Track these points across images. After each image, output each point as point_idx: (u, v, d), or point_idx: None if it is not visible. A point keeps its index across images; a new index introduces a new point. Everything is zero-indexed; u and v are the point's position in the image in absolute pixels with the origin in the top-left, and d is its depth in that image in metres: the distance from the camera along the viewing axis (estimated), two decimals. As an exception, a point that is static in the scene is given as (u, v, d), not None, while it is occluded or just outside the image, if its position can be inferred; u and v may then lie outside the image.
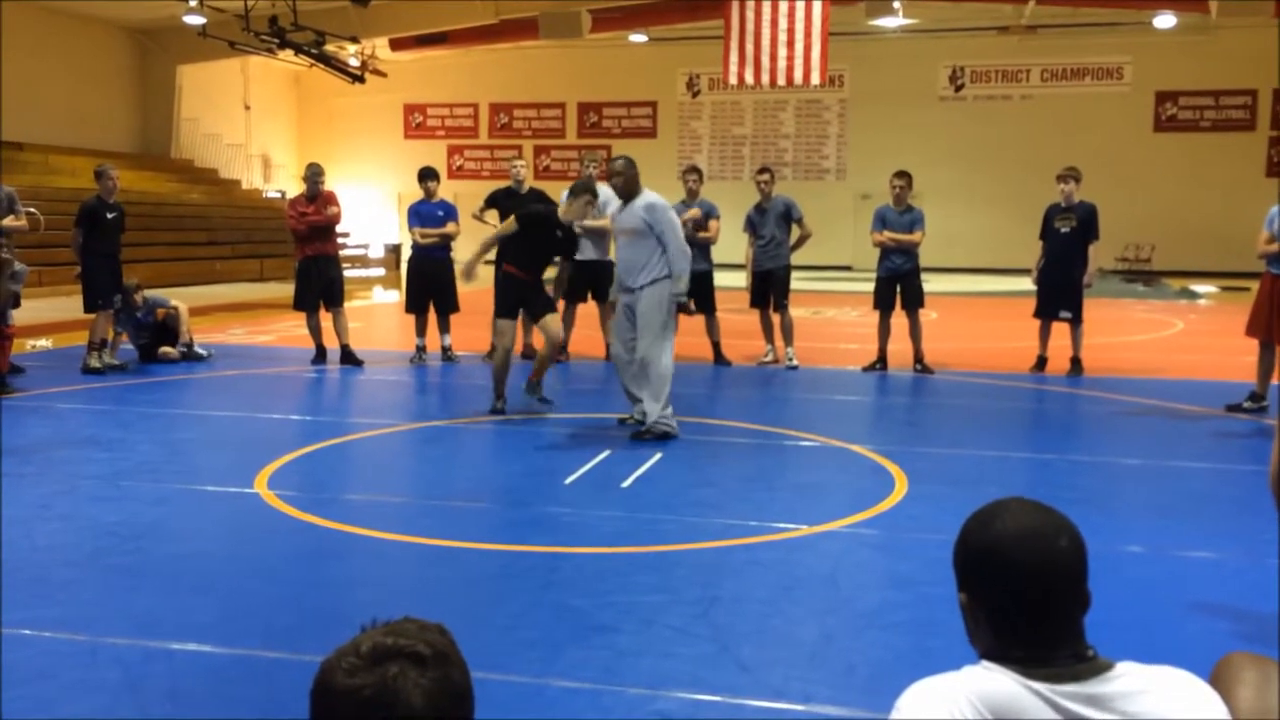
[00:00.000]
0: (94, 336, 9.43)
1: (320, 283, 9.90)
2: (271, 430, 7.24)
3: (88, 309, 9.49)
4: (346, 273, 10.68)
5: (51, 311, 11.69)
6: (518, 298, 7.55)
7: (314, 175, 9.94)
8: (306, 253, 9.91)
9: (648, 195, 6.94)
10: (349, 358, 9.90)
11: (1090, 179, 10.25)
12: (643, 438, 6.66)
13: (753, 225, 10.20)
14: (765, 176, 10.22)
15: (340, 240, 11.26)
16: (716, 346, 10.20)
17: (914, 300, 9.73)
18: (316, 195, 9.85)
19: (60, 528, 4.86)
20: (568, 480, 5.76)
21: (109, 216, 9.49)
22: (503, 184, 10.41)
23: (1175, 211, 26.07)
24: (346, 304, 10.37)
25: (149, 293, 10.12)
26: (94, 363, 9.35)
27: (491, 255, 8.11)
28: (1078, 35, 26.38)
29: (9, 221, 9.04)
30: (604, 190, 9.88)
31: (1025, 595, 1.48)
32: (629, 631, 3.64)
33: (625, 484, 5.70)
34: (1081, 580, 1.51)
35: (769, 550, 4.60)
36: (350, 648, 1.14)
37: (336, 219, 10.03)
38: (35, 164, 19.95)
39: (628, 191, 6.97)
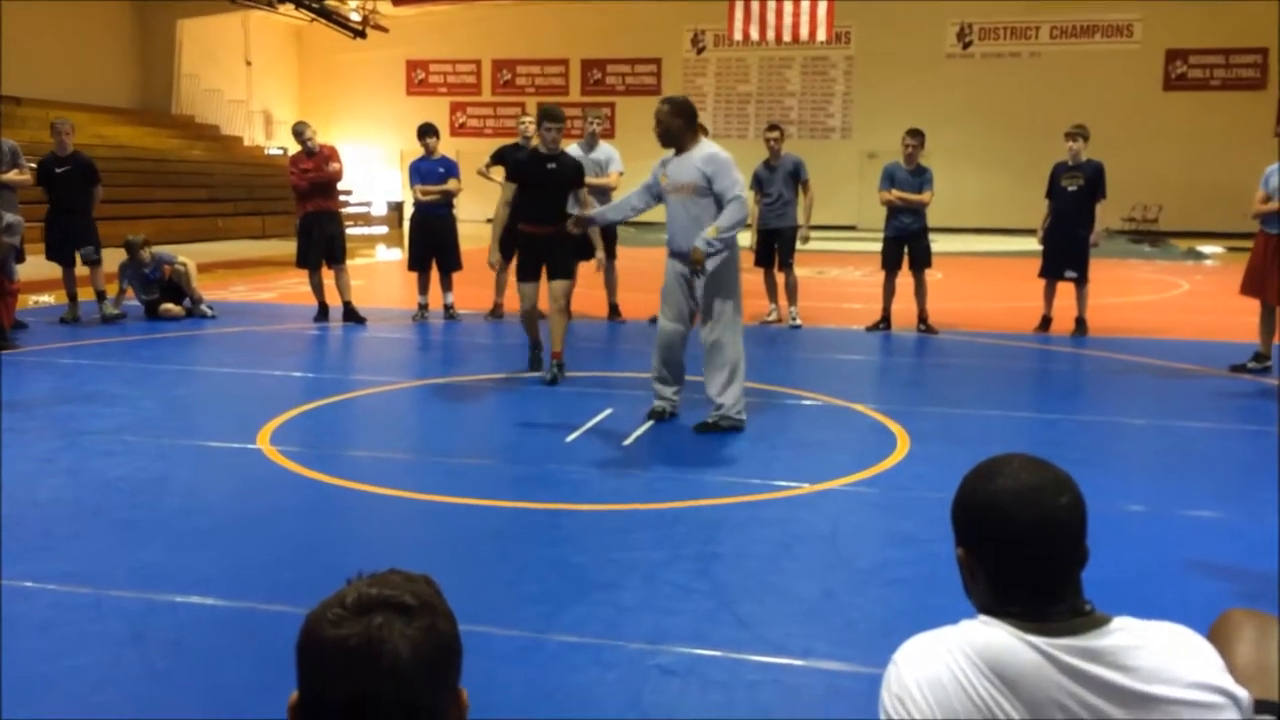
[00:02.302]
0: (69, 289, 9.67)
1: (322, 240, 9.85)
2: (274, 387, 7.24)
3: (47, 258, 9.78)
4: (349, 231, 10.65)
5: (54, 268, 11.65)
6: (536, 257, 7.11)
7: (301, 132, 9.84)
8: (308, 209, 9.85)
9: (707, 146, 5.85)
10: (351, 315, 9.89)
11: (1098, 138, 10.16)
12: (709, 430, 5.84)
13: (760, 183, 10.12)
14: (775, 134, 10.13)
15: (342, 198, 11.16)
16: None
17: (922, 260, 9.68)
18: (314, 151, 9.78)
19: (64, 482, 4.88)
20: (569, 438, 5.77)
21: (58, 171, 9.46)
22: (509, 140, 10.34)
23: (1183, 171, 25.91)
24: (349, 262, 10.33)
25: (156, 249, 10.11)
26: (110, 310, 9.62)
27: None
28: (1088, -8, 26.08)
29: (13, 175, 9.04)
30: (605, 148, 9.83)
31: (1023, 552, 1.47)
32: (630, 588, 3.66)
33: (627, 442, 5.70)
34: (1080, 537, 1.51)
35: (770, 508, 4.61)
36: (335, 599, 1.14)
37: (338, 175, 9.95)
38: (34, 119, 19.79)
39: (675, 142, 5.87)
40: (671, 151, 5.93)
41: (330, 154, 9.88)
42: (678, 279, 5.97)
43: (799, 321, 10.01)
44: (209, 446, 5.57)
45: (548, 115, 7.11)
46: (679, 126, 5.81)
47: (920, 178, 9.58)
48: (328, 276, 9.97)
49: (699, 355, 6.00)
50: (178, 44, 25.66)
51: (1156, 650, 1.43)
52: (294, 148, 10.21)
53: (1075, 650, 1.42)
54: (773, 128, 10.25)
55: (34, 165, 9.44)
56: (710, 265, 5.77)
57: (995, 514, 1.50)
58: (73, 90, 22.53)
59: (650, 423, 6.07)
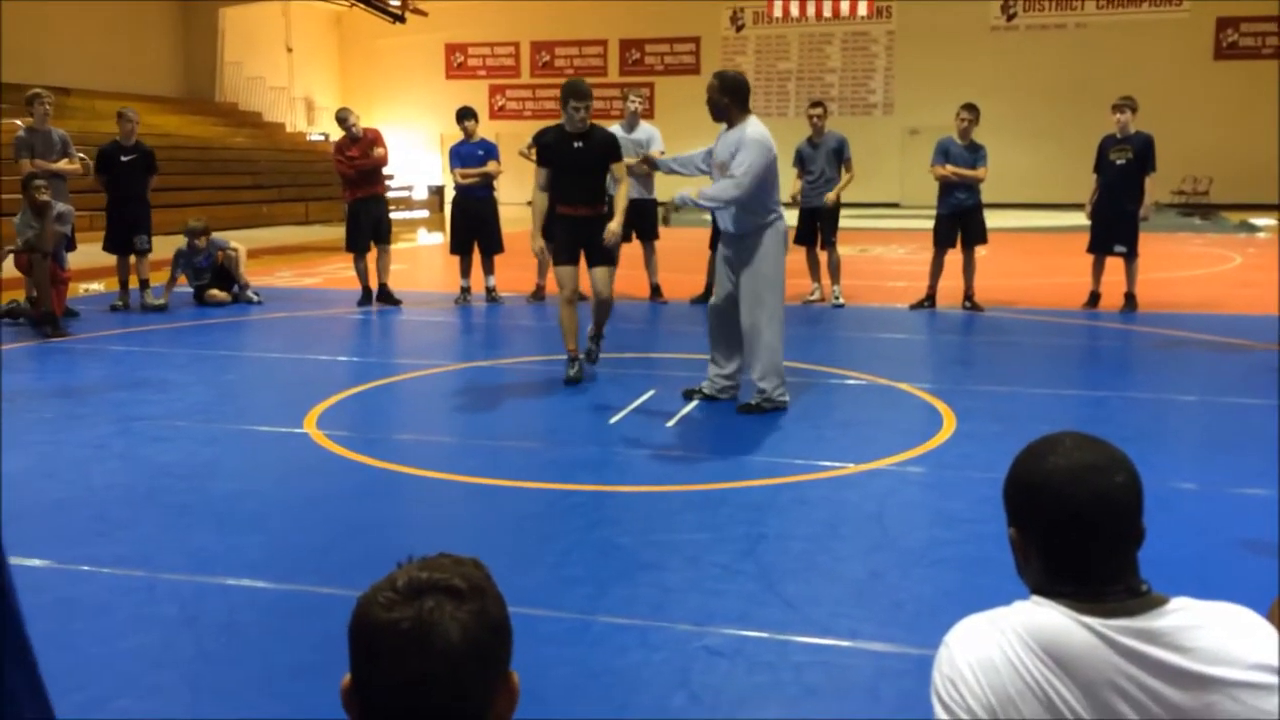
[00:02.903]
0: (121, 276, 9.76)
1: (369, 223, 9.93)
2: (320, 371, 7.32)
3: (104, 249, 9.82)
4: (391, 214, 10.73)
5: (103, 256, 11.83)
6: (574, 239, 6.59)
7: (345, 119, 9.89)
8: (356, 195, 9.93)
9: (748, 127, 5.74)
10: (386, 296, 9.98)
11: (1147, 109, 9.96)
12: (752, 411, 5.83)
13: (803, 160, 10.04)
14: (819, 110, 10.04)
15: (385, 182, 11.19)
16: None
17: (976, 237, 9.58)
18: (358, 137, 9.84)
19: (117, 467, 4.97)
20: (612, 420, 5.77)
21: (124, 160, 9.59)
22: (549, 122, 10.32)
23: (1234, 142, 25.33)
24: (391, 245, 10.39)
25: (214, 234, 10.26)
26: (151, 300, 9.65)
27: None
28: (1135, -40, 25.53)
29: (63, 164, 9.18)
30: (646, 128, 9.79)
31: (1078, 532, 1.45)
32: (675, 569, 3.66)
33: (670, 423, 5.70)
34: (1137, 516, 1.48)
35: (815, 488, 4.59)
36: (386, 583, 1.15)
37: (383, 161, 10.04)
38: (82, 109, 20.11)
39: (723, 117, 5.81)
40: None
41: (374, 138, 9.95)
42: (722, 259, 6.01)
43: (842, 300, 9.94)
44: (258, 431, 5.64)
45: (573, 93, 6.48)
46: (725, 104, 5.76)
47: (975, 154, 9.46)
48: (373, 260, 10.05)
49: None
50: (220, 32, 25.89)
51: (1215, 631, 1.40)
52: (336, 134, 10.27)
53: (1131, 631, 1.39)
54: (816, 104, 10.16)
55: (82, 155, 9.56)
56: (748, 247, 5.79)
57: (1048, 493, 1.47)
58: (118, 80, 22.82)
59: (693, 401, 6.08)
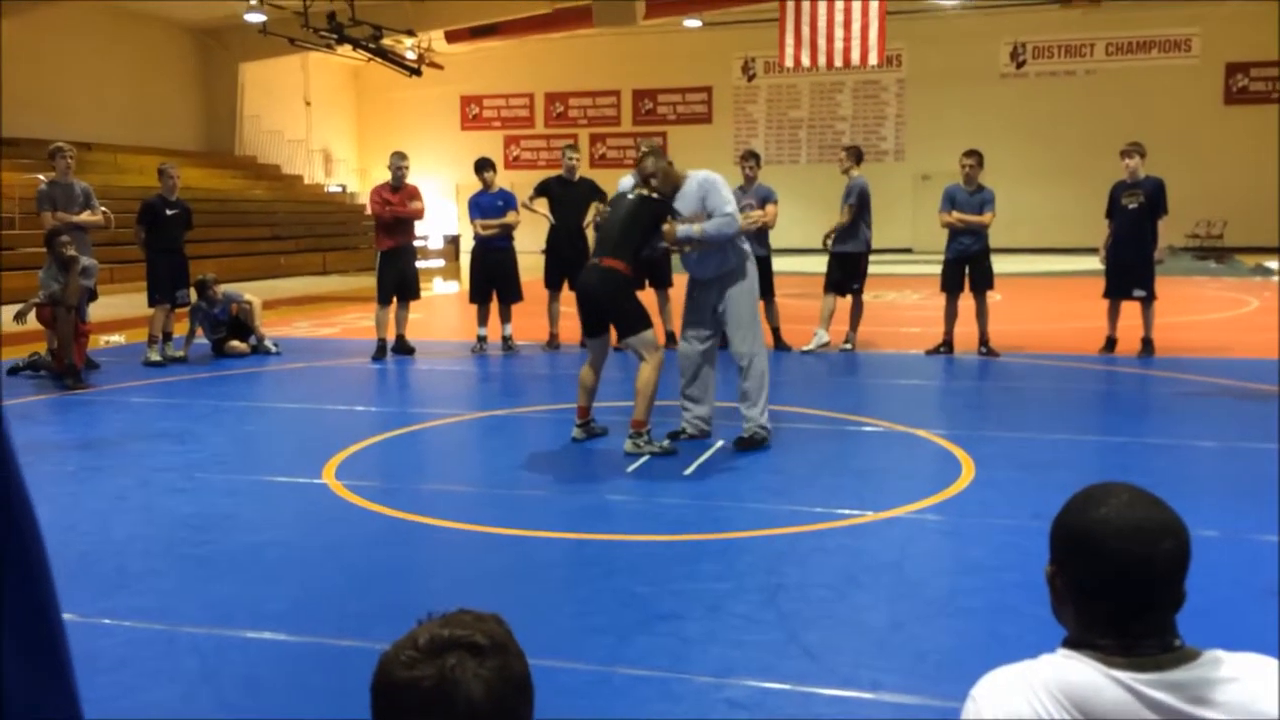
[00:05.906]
0: (153, 330, 9.69)
1: (396, 275, 10.00)
2: (338, 421, 7.34)
3: (149, 304, 9.77)
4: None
5: (124, 307, 11.94)
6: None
7: (398, 164, 10.10)
8: (389, 244, 10.03)
9: (696, 175, 6.15)
10: (402, 347, 10.05)
11: (1159, 155, 10.01)
12: (747, 447, 6.09)
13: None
14: (842, 155, 10.26)
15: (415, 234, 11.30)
16: (776, 331, 10.14)
17: (983, 282, 9.59)
18: (400, 186, 10.00)
19: (137, 519, 4.98)
20: (630, 468, 5.77)
21: (169, 213, 9.73)
22: (557, 173, 10.44)
23: (1248, 186, 25.36)
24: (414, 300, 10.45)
25: (224, 287, 10.33)
26: (154, 356, 9.61)
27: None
28: (1143, 8, 25.74)
29: (86, 216, 9.30)
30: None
31: (1114, 589, 1.43)
32: (695, 619, 3.64)
33: (688, 471, 5.69)
34: (1177, 583, 1.47)
35: (835, 537, 4.57)
36: (408, 640, 1.16)
37: (419, 214, 10.19)
38: (104, 164, 20.42)
39: (672, 188, 6.13)
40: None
41: (413, 192, 10.12)
42: (695, 306, 6.29)
43: (850, 345, 10.00)
44: (277, 482, 5.65)
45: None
46: (675, 171, 6.14)
47: (981, 199, 9.51)
48: (393, 312, 10.11)
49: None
50: (240, 86, 26.30)
51: (1244, 684, 1.39)
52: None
53: (1161, 684, 1.38)
54: (844, 149, 10.42)
55: (104, 208, 9.66)
56: (731, 292, 6.11)
57: (1090, 545, 1.45)
58: (140, 134, 23.18)
59: (667, 442, 6.11)
